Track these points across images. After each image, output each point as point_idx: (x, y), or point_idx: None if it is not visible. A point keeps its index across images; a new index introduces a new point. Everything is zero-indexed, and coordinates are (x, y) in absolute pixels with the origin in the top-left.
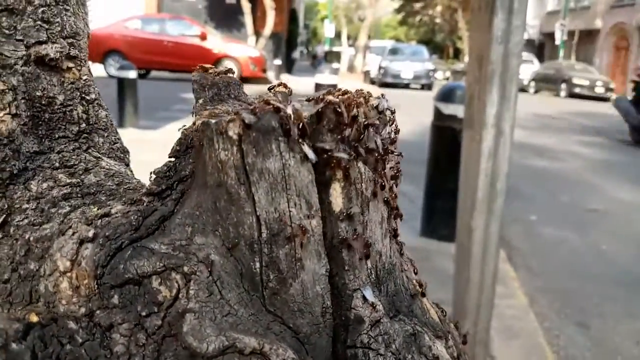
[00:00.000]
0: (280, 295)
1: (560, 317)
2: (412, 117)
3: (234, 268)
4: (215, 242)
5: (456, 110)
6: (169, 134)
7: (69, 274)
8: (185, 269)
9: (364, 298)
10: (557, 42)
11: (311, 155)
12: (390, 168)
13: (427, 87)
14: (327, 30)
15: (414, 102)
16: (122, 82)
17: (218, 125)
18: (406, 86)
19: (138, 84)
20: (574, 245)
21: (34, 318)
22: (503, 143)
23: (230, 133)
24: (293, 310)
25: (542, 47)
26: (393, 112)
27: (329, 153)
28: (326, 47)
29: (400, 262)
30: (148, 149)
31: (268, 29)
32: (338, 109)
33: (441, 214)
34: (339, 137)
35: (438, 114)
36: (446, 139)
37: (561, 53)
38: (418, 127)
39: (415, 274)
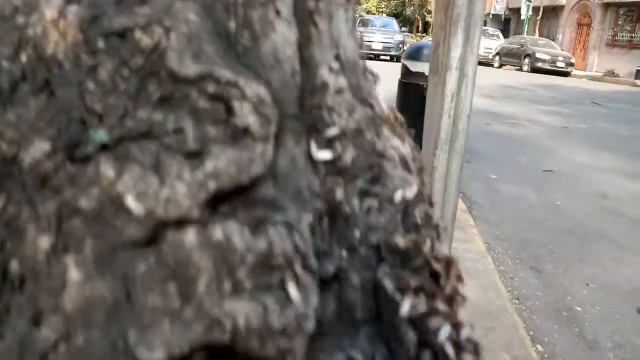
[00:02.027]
0: (253, 52)
1: (515, 262)
2: (382, 86)
3: (212, 28)
4: (194, 7)
5: (423, 67)
6: None
7: (56, 23)
8: (167, 23)
9: (330, 68)
10: (523, 17)
11: None
12: None
13: (397, 58)
14: None
15: (383, 72)
16: None
17: None
18: (376, 57)
19: None
20: (531, 200)
21: (23, 57)
22: (466, 85)
23: None
24: (265, 65)
25: (508, 22)
26: None
27: None
28: None
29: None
30: None
31: None
32: None
33: None
34: None
35: (406, 71)
36: (412, 94)
37: (526, 28)
38: (387, 94)
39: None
